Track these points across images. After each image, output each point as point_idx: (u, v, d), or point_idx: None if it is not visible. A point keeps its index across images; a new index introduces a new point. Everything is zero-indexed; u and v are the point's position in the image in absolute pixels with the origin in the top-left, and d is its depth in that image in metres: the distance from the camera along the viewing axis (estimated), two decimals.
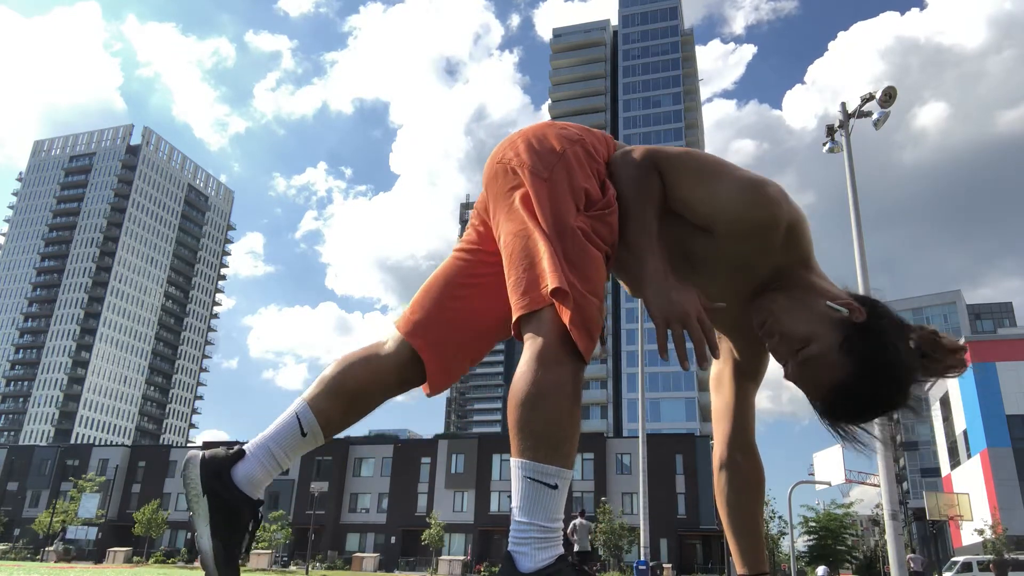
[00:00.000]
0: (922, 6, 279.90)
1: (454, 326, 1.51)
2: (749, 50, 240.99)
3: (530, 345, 1.25)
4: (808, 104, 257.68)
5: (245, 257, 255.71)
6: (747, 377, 1.61)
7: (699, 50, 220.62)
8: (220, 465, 1.44)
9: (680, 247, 1.47)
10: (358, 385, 1.47)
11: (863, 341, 1.29)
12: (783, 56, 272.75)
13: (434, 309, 1.51)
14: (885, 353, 1.28)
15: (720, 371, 1.63)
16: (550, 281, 1.25)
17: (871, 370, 1.28)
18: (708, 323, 1.30)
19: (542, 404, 1.18)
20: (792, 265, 1.41)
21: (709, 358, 1.31)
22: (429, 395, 1.55)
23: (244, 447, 1.48)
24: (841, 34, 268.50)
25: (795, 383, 1.37)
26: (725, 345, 1.63)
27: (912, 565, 25.29)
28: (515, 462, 1.19)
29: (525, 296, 1.29)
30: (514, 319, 1.31)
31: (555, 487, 1.17)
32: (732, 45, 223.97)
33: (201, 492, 1.41)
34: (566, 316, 1.23)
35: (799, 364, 1.34)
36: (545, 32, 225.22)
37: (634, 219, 1.40)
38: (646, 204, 1.41)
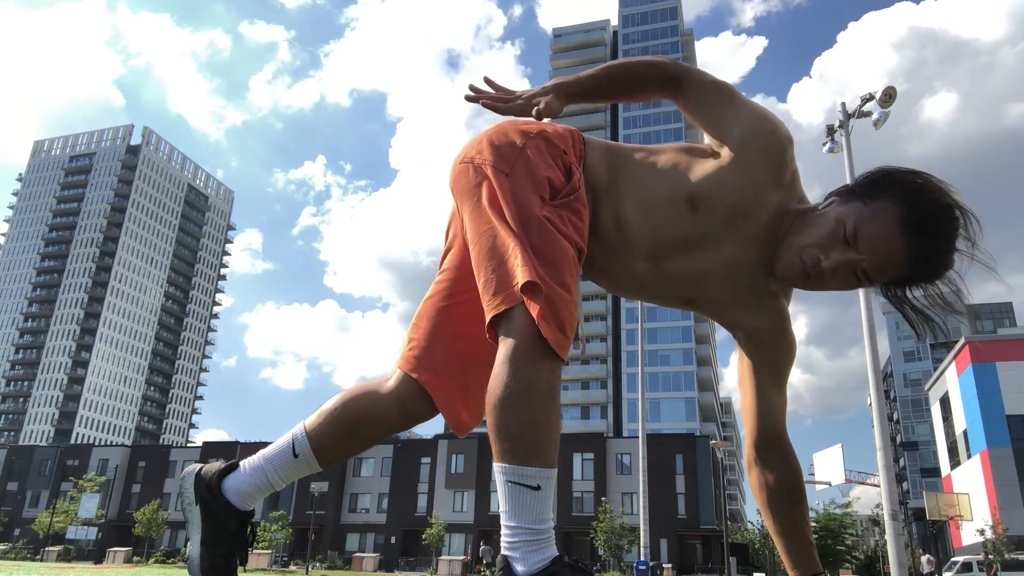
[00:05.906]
0: None
1: (454, 351, 1.49)
2: (760, 43, 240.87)
3: (503, 346, 1.23)
4: (815, 98, 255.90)
5: (243, 254, 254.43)
6: (765, 367, 1.53)
7: (710, 42, 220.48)
8: (211, 476, 1.53)
9: (684, 188, 1.41)
10: (355, 415, 1.49)
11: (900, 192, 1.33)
12: (791, 48, 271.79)
13: (429, 338, 1.49)
14: (925, 190, 1.33)
15: (741, 370, 1.58)
16: (520, 275, 1.22)
17: (922, 203, 1.31)
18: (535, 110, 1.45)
19: (515, 406, 1.17)
20: (792, 202, 1.43)
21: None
22: (459, 434, 1.52)
23: (240, 462, 1.55)
24: (852, 24, 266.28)
25: (873, 282, 1.38)
26: (742, 339, 1.55)
27: (928, 566, 25.26)
28: (496, 467, 1.19)
29: (496, 296, 1.26)
30: (487, 321, 1.28)
31: (537, 488, 1.16)
32: (743, 37, 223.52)
33: (194, 501, 1.52)
34: (535, 311, 1.20)
35: (861, 259, 1.32)
36: (547, 24, 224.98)
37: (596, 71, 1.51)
38: (612, 72, 1.50)
